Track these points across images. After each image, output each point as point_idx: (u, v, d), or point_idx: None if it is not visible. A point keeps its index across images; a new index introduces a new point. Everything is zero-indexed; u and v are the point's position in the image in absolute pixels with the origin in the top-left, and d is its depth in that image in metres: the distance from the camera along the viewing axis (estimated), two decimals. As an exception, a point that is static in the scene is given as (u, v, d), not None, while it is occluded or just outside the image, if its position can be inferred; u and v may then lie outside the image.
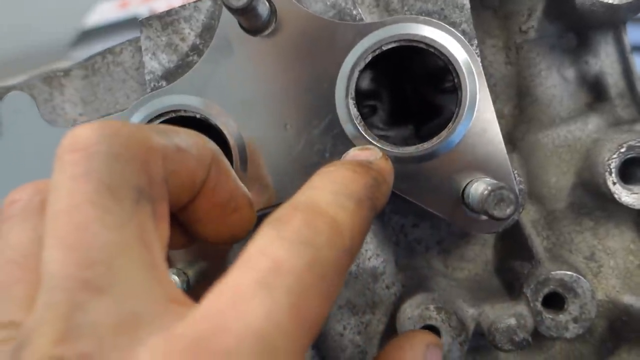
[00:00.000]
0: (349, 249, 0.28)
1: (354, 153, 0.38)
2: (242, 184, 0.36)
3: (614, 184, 0.42)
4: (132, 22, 1.47)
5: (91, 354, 0.22)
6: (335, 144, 0.44)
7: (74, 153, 0.27)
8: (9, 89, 0.49)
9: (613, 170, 0.42)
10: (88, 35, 1.49)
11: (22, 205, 0.31)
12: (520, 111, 0.49)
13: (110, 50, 0.48)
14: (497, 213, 0.37)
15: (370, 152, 0.37)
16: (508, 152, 0.48)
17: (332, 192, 0.30)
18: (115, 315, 0.23)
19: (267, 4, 0.42)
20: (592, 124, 0.46)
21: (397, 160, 0.43)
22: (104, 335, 0.23)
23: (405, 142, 0.49)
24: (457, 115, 0.42)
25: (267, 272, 0.25)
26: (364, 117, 0.55)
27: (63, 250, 0.25)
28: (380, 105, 0.57)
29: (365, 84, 0.57)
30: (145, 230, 0.27)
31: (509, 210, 0.37)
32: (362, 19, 0.44)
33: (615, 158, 0.42)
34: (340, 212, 0.29)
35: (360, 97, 0.56)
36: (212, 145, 0.34)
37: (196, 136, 0.33)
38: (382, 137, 0.49)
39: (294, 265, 0.25)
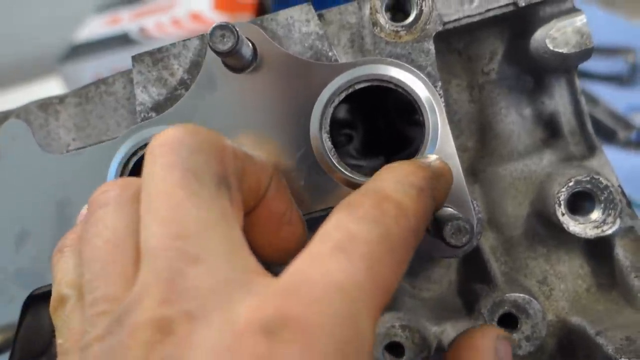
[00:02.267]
0: (415, 230, 0.32)
1: (417, 158, 0.43)
2: (296, 204, 0.40)
3: (563, 214, 0.47)
4: (122, 39, 1.49)
5: (195, 312, 0.25)
6: (310, 173, 0.47)
7: (162, 147, 0.31)
8: (6, 114, 0.52)
9: (562, 202, 0.47)
10: (78, 50, 1.51)
11: (116, 194, 0.34)
12: (482, 145, 0.53)
13: (103, 81, 0.52)
14: (453, 242, 0.41)
15: (431, 156, 0.43)
16: (471, 183, 0.52)
17: (396, 182, 0.34)
18: (211, 280, 0.26)
19: (250, 45, 0.46)
20: (546, 159, 0.51)
21: (367, 190, 0.47)
22: (205, 296, 0.26)
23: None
24: (420, 150, 0.46)
25: (343, 240, 0.28)
26: (341, 144, 0.60)
27: (161, 226, 0.28)
28: (355, 135, 0.61)
29: (342, 114, 0.61)
30: (227, 211, 0.31)
31: (464, 240, 0.41)
32: (337, 60, 0.48)
33: (564, 191, 0.47)
34: (404, 197, 0.33)
35: (338, 125, 0.60)
36: (270, 161, 0.39)
37: (258, 153, 0.38)
38: (355, 167, 0.53)
39: (366, 237, 0.29)
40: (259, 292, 0.26)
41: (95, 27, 1.67)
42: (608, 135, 1.00)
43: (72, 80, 1.50)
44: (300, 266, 0.27)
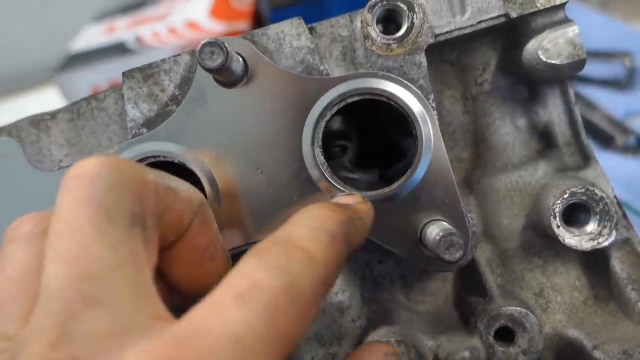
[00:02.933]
0: (324, 278, 0.31)
1: (337, 198, 0.43)
2: (221, 239, 0.39)
3: (558, 227, 0.46)
4: (118, 48, 1.49)
5: (82, 359, 0.25)
6: (304, 188, 0.47)
7: (78, 180, 0.30)
8: (-3, 131, 0.52)
9: (557, 214, 0.46)
10: (75, 60, 1.51)
11: (27, 230, 0.34)
12: (477, 156, 0.53)
13: (94, 97, 0.51)
14: (447, 257, 0.41)
15: (352, 197, 0.42)
16: (465, 195, 0.52)
17: (309, 228, 0.34)
18: (107, 325, 0.26)
19: (240, 61, 0.46)
20: (541, 170, 0.50)
21: (360, 204, 0.46)
22: (96, 342, 0.25)
23: (372, 186, 0.52)
24: (414, 163, 0.46)
25: (247, 289, 0.28)
26: (335, 156, 0.59)
27: (63, 264, 0.27)
28: (350, 146, 0.61)
29: (337, 125, 0.60)
30: (137, 253, 0.30)
31: (458, 255, 0.41)
32: (328, 74, 0.48)
33: (559, 203, 0.46)
34: (315, 246, 0.32)
35: (332, 137, 0.60)
36: (200, 194, 0.37)
37: (187, 184, 0.37)
38: (350, 180, 0.53)
39: (271, 286, 0.28)
40: (154, 339, 0.25)
41: (92, 37, 1.67)
42: (606, 140, 1.00)
43: (69, 90, 1.50)
44: (199, 313, 0.27)
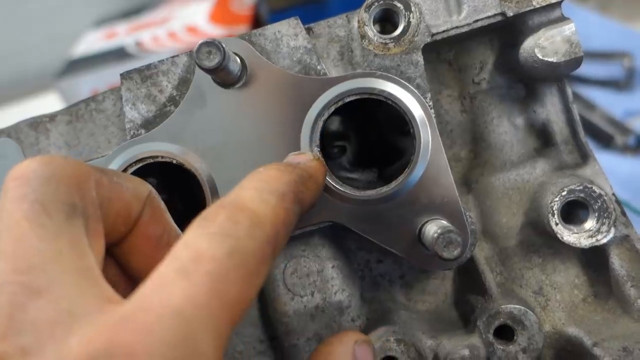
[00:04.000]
0: (271, 239, 0.31)
1: (288, 157, 0.42)
2: (176, 226, 0.39)
3: (557, 224, 0.46)
4: (118, 53, 1.50)
5: (29, 347, 0.25)
6: (302, 187, 0.47)
7: (15, 180, 0.31)
8: (-4, 133, 0.52)
9: (555, 212, 0.46)
10: (75, 65, 1.52)
11: None
12: (475, 155, 0.53)
13: (93, 99, 0.52)
14: (445, 254, 0.41)
15: (303, 156, 0.41)
16: (464, 194, 0.52)
17: (256, 189, 0.34)
18: (52, 312, 0.26)
19: (238, 61, 0.46)
20: (540, 168, 0.50)
21: (359, 203, 0.46)
22: (42, 330, 0.26)
23: (370, 185, 0.52)
24: (412, 162, 0.46)
25: (188, 260, 0.28)
26: (334, 156, 0.60)
27: (3, 261, 0.28)
28: (348, 147, 0.61)
29: (335, 126, 0.61)
30: (78, 241, 0.30)
31: (456, 252, 0.41)
32: (325, 74, 0.48)
33: (557, 201, 0.46)
34: (261, 206, 0.32)
35: (330, 137, 0.60)
36: (147, 185, 0.38)
37: (133, 177, 0.38)
38: (348, 180, 0.53)
39: (214, 254, 0.28)
40: (99, 322, 0.26)
41: (92, 42, 1.68)
42: (605, 140, 1.00)
43: (69, 95, 1.50)
44: (143, 290, 0.27)
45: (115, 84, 1.63)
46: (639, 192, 0.88)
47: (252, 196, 0.33)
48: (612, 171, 0.90)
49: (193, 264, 0.28)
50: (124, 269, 0.37)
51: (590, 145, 0.99)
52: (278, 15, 1.36)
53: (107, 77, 1.49)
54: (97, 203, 0.33)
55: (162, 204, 0.39)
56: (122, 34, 1.66)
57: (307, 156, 0.41)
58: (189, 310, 0.26)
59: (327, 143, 0.59)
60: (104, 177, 0.34)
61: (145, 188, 0.37)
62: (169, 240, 0.38)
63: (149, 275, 0.28)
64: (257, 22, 1.46)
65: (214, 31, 1.45)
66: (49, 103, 1.70)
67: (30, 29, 1.96)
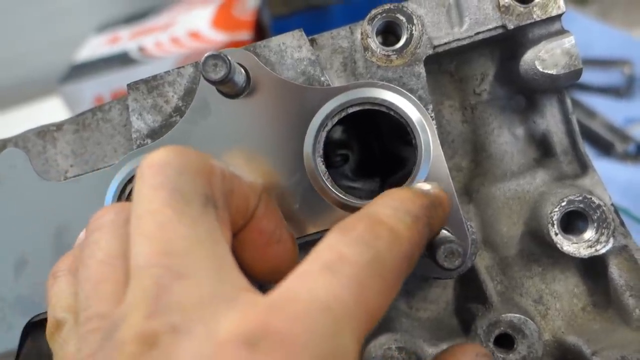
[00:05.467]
0: (408, 256, 0.33)
1: (417, 184, 0.43)
2: (286, 223, 0.41)
3: (556, 234, 0.47)
4: (121, 58, 1.51)
5: (179, 326, 0.26)
6: (305, 197, 0.48)
7: (151, 168, 0.32)
8: (5, 142, 0.53)
9: (555, 222, 0.47)
10: (78, 70, 1.53)
11: (110, 218, 0.36)
12: (476, 165, 0.54)
13: (99, 108, 0.52)
14: (447, 265, 0.42)
15: (431, 184, 0.43)
16: (465, 203, 0.53)
17: (392, 208, 0.35)
18: (196, 295, 0.27)
19: (243, 72, 0.46)
20: (539, 178, 0.51)
21: (361, 212, 0.47)
22: (190, 311, 0.27)
23: (372, 194, 0.53)
24: (413, 172, 0.46)
25: (333, 261, 0.29)
26: (337, 165, 0.60)
27: (148, 244, 0.29)
28: (351, 155, 0.61)
29: (338, 134, 0.61)
30: (214, 230, 0.31)
31: (457, 263, 0.41)
32: (329, 84, 0.49)
33: (557, 211, 0.47)
34: (399, 224, 0.34)
35: (333, 146, 0.61)
36: (259, 182, 0.40)
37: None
38: (351, 189, 0.54)
39: (357, 260, 0.29)
40: (244, 307, 0.27)
41: (95, 47, 1.69)
42: (605, 147, 1.01)
43: (73, 100, 1.51)
44: (288, 284, 0.28)
45: (118, 89, 1.63)
46: (638, 199, 0.89)
47: (389, 214, 0.34)
48: (612, 178, 0.91)
49: (338, 263, 0.29)
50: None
51: (590, 152, 1.00)
52: (280, 21, 1.37)
53: (111, 82, 1.50)
54: (224, 195, 0.34)
55: (274, 202, 0.40)
56: (125, 39, 1.67)
57: (435, 185, 0.42)
58: (336, 307, 0.27)
59: (330, 151, 0.59)
60: (226, 170, 0.35)
61: (259, 184, 0.39)
62: (281, 236, 0.39)
63: (293, 271, 0.29)
64: (259, 28, 1.47)
65: (217, 37, 1.45)
66: (52, 108, 1.71)
67: (33, 34, 1.97)
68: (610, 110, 1.08)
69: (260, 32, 1.47)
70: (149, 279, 0.28)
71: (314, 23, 1.36)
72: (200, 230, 0.30)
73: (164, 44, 1.53)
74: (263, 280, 0.40)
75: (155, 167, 0.32)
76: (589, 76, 1.16)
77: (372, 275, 0.29)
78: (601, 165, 0.95)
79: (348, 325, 0.27)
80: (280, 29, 1.39)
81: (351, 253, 0.30)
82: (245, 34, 1.43)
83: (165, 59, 1.46)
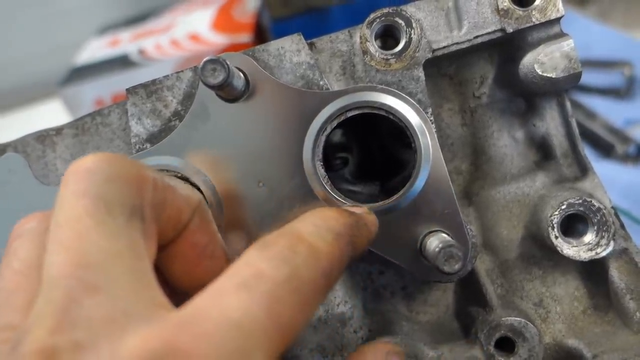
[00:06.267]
0: (327, 273, 0.32)
1: (345, 207, 0.44)
2: (221, 238, 0.40)
3: (557, 237, 0.47)
4: (121, 60, 1.51)
5: (84, 343, 0.25)
6: (305, 201, 0.48)
7: (77, 174, 0.31)
8: (4, 147, 0.53)
9: (555, 225, 0.47)
10: (78, 72, 1.53)
11: (32, 226, 0.35)
12: (476, 168, 0.54)
13: (99, 112, 0.52)
14: (446, 269, 0.41)
15: (358, 208, 0.43)
16: (465, 206, 0.53)
17: (315, 225, 0.35)
18: (107, 310, 0.26)
19: (241, 76, 0.46)
20: (539, 181, 0.51)
21: (360, 216, 0.47)
22: (97, 326, 0.26)
23: (372, 198, 0.53)
24: (413, 175, 0.46)
25: (249, 277, 0.29)
26: (337, 168, 0.60)
27: (63, 254, 0.28)
28: (351, 158, 0.61)
29: (337, 138, 0.61)
30: (136, 243, 0.30)
31: (457, 266, 0.41)
32: (328, 88, 0.49)
33: (557, 214, 0.47)
34: (318, 241, 0.33)
35: (333, 149, 0.61)
36: (198, 194, 0.39)
37: (185, 184, 0.39)
38: (351, 192, 0.54)
39: (273, 275, 0.29)
40: (154, 324, 0.26)
41: (96, 50, 1.69)
42: (606, 149, 1.00)
43: (73, 103, 1.51)
44: (200, 301, 0.28)
45: (118, 92, 1.63)
46: (639, 200, 0.89)
47: (310, 231, 0.34)
48: (612, 180, 0.91)
49: (254, 280, 0.29)
50: (164, 275, 0.37)
51: (591, 154, 1.00)
52: (280, 23, 1.37)
53: (111, 85, 1.50)
54: (153, 207, 0.33)
55: (210, 215, 0.39)
56: (126, 42, 1.67)
57: (363, 209, 0.43)
58: (247, 324, 0.26)
59: (330, 154, 0.59)
60: (160, 179, 0.34)
61: (196, 196, 0.38)
62: (214, 251, 0.39)
63: (207, 287, 0.29)
64: (259, 30, 1.47)
65: (216, 39, 1.45)
66: (52, 110, 1.71)
67: (34, 37, 1.97)
68: (610, 112, 1.08)
69: (260, 34, 1.47)
70: (60, 291, 0.27)
71: (314, 25, 1.36)
72: (121, 242, 0.29)
73: (164, 47, 1.53)
74: (192, 293, 0.40)
75: (80, 173, 0.31)
76: (589, 77, 1.16)
77: (288, 291, 0.29)
78: (601, 167, 0.95)
79: (260, 343, 0.27)
80: (280, 31, 1.39)
81: (268, 269, 0.29)
82: (245, 37, 1.43)
83: (166, 62, 1.46)
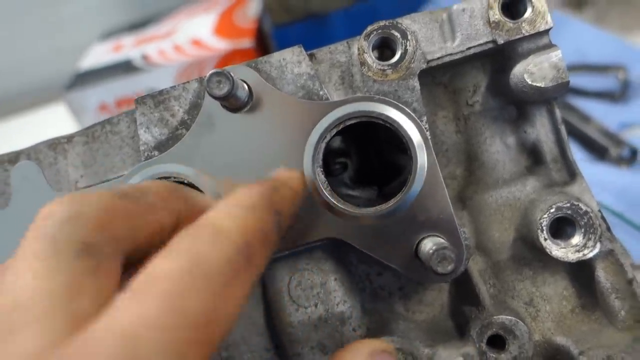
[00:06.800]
0: (242, 249, 0.31)
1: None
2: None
3: (545, 239, 0.49)
4: (125, 65, 1.53)
5: None
6: (306, 205, 0.50)
7: (38, 219, 0.32)
8: (17, 154, 0.55)
9: (544, 228, 0.49)
10: (82, 77, 1.55)
11: None
12: (469, 173, 0.56)
13: (108, 121, 0.55)
14: (440, 270, 0.44)
15: (276, 170, 0.43)
16: (459, 210, 0.55)
17: (224, 205, 0.34)
18: (18, 353, 0.26)
19: (245, 87, 0.49)
20: (530, 185, 0.53)
21: (359, 220, 0.49)
22: None
23: (370, 203, 0.55)
24: (408, 182, 0.49)
25: (141, 282, 0.28)
26: (336, 172, 0.62)
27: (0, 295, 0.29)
28: (350, 163, 0.64)
29: (337, 143, 0.64)
30: (78, 282, 0.30)
31: (450, 268, 0.44)
32: (328, 98, 0.51)
33: (546, 217, 0.49)
34: (225, 219, 0.32)
35: (333, 154, 0.63)
36: (180, 192, 0.39)
37: (164, 188, 0.38)
38: (349, 197, 0.56)
39: (167, 273, 0.28)
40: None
41: (100, 55, 1.71)
42: (600, 152, 1.03)
43: (77, 107, 1.53)
44: (99, 319, 0.27)
45: (122, 97, 1.65)
46: (632, 203, 0.91)
47: (216, 213, 0.33)
48: (606, 183, 0.93)
49: (144, 284, 0.28)
50: None
51: (586, 157, 1.02)
52: (281, 29, 1.39)
53: (115, 89, 1.52)
54: (120, 240, 0.33)
55: (201, 199, 0.39)
56: (129, 47, 1.69)
57: (279, 169, 0.42)
58: (137, 331, 0.25)
59: (330, 159, 0.62)
60: (136, 205, 0.35)
61: (176, 200, 0.38)
62: None
63: (106, 305, 0.28)
64: (260, 35, 1.49)
65: (219, 44, 1.48)
66: (57, 115, 1.73)
67: (39, 42, 1.99)
68: (605, 115, 1.11)
69: (262, 39, 1.49)
70: None
71: (314, 31, 1.38)
72: (56, 282, 0.29)
73: (167, 52, 1.56)
74: None
75: (42, 218, 0.32)
76: (584, 81, 1.18)
77: (189, 282, 0.28)
78: (596, 170, 0.97)
79: (154, 348, 0.25)
80: (281, 37, 1.42)
81: (162, 266, 0.29)
82: (247, 42, 1.46)
83: (169, 67, 1.48)
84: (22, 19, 1.91)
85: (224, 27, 1.58)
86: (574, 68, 1.18)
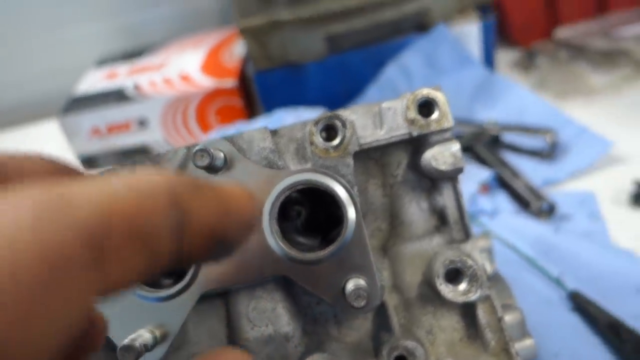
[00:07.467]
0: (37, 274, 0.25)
1: None
2: None
3: (441, 284, 0.65)
4: (118, 94, 1.68)
5: None
6: (260, 249, 0.66)
7: None
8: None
9: (440, 275, 0.65)
10: (77, 102, 1.69)
11: None
12: (392, 228, 0.72)
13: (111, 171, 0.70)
14: (355, 304, 0.60)
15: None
16: (381, 257, 0.71)
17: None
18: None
19: (222, 156, 0.65)
20: (436, 241, 0.70)
21: (302, 262, 0.65)
22: None
23: (312, 249, 0.71)
24: (340, 236, 0.65)
25: None
26: (292, 218, 0.78)
27: None
28: (303, 212, 0.80)
29: (295, 195, 0.79)
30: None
31: (362, 303, 0.60)
32: (284, 167, 0.67)
33: (441, 268, 0.66)
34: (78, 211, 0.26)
35: (292, 202, 0.79)
36: None
37: None
38: (297, 243, 0.72)
39: None
40: None
41: (94, 81, 1.85)
42: (524, 204, 1.20)
43: (71, 130, 1.67)
44: None
45: (113, 123, 1.80)
46: (543, 251, 1.08)
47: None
48: (526, 232, 1.11)
49: None
50: None
51: (514, 208, 1.19)
52: (262, 74, 1.55)
53: (107, 116, 1.67)
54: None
55: None
56: (122, 76, 1.84)
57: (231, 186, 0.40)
58: None
59: (289, 206, 0.77)
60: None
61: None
62: None
63: None
64: (243, 77, 1.65)
65: (204, 82, 1.63)
66: (52, 130, 1.87)
67: (37, 62, 2.13)
68: (533, 171, 1.28)
69: (244, 81, 1.65)
70: None
71: (292, 77, 1.55)
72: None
73: (157, 84, 1.71)
74: None
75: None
76: (520, 140, 1.36)
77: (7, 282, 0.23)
78: (519, 220, 1.15)
79: None
80: (262, 81, 1.58)
81: None
82: (230, 82, 1.62)
83: (158, 99, 1.63)
84: (26, 40, 2.05)
85: (211, 64, 1.74)
86: (513, 128, 1.37)
